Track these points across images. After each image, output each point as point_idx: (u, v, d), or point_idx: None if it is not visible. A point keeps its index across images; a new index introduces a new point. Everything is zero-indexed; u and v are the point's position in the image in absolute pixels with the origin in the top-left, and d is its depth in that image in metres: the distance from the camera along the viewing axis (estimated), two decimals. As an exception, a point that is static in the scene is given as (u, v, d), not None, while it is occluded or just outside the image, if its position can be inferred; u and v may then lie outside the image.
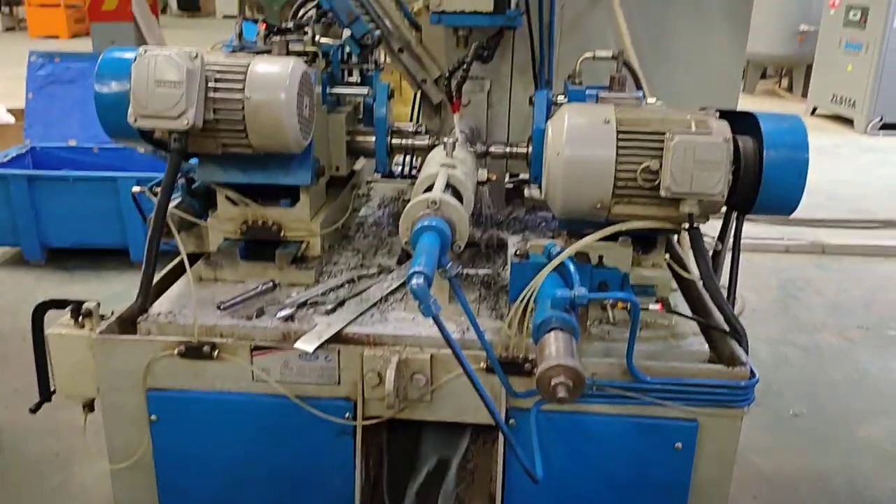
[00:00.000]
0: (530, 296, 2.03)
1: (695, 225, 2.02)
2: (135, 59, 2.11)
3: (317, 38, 2.81)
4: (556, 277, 2.08)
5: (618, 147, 2.02)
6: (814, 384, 4.46)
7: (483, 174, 2.41)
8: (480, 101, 3.08)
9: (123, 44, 6.84)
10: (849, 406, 4.26)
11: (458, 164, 2.24)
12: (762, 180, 2.04)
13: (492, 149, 2.78)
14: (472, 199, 2.18)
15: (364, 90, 2.85)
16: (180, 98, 2.06)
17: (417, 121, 3.28)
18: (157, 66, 2.06)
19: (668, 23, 3.04)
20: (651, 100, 2.55)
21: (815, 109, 12.14)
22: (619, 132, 2.03)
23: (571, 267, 2.04)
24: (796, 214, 2.20)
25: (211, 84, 2.18)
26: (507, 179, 3.42)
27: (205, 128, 2.20)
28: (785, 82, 14.11)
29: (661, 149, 1.98)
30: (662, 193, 1.96)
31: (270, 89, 2.20)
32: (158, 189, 2.26)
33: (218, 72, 2.20)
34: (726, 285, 2.43)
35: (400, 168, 3.82)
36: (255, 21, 2.89)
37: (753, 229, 6.18)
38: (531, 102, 2.69)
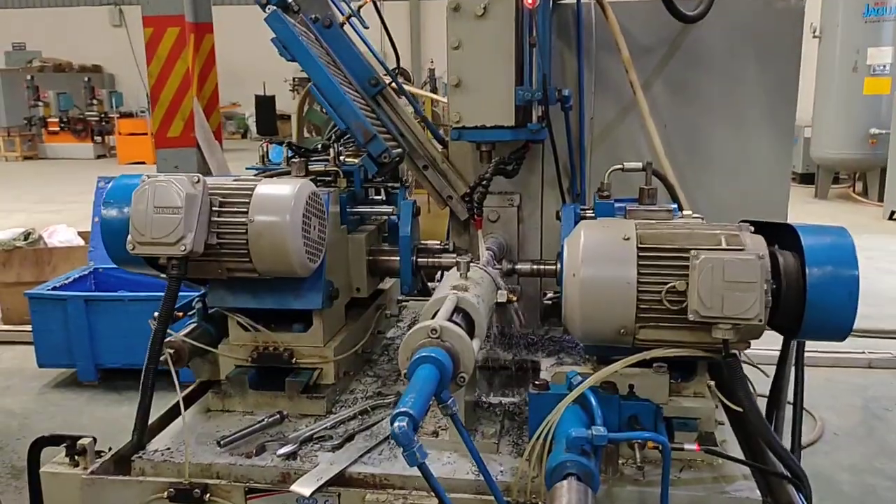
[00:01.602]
0: (547, 432, 1.81)
1: (731, 352, 1.79)
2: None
3: (341, 157, 2.78)
4: (579, 411, 1.86)
5: (639, 266, 1.83)
6: (908, 521, 3.94)
7: (503, 295, 2.24)
8: (510, 216, 2.95)
9: (186, 168, 7.13)
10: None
11: (471, 285, 2.09)
12: (806, 301, 1.80)
13: (518, 266, 2.62)
14: (484, 324, 2.01)
15: (388, 209, 2.77)
16: (178, 224, 1.99)
17: (448, 237, 3.17)
18: (157, 193, 2.01)
19: (706, 130, 2.89)
20: (687, 212, 2.37)
21: (893, 213, 11.59)
22: (639, 249, 1.85)
23: (593, 400, 1.82)
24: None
25: (215, 208, 2.12)
26: (546, 296, 3.24)
27: (208, 252, 2.12)
28: (859, 186, 13.61)
29: (688, 267, 1.78)
30: (690, 317, 1.75)
31: (274, 211, 2.12)
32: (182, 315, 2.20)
33: (223, 195, 2.15)
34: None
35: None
36: (281, 143, 2.88)
37: (832, 343, 5.73)
38: (558, 217, 2.55)
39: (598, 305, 1.84)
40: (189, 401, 2.50)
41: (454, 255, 2.71)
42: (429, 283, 3.22)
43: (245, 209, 2.12)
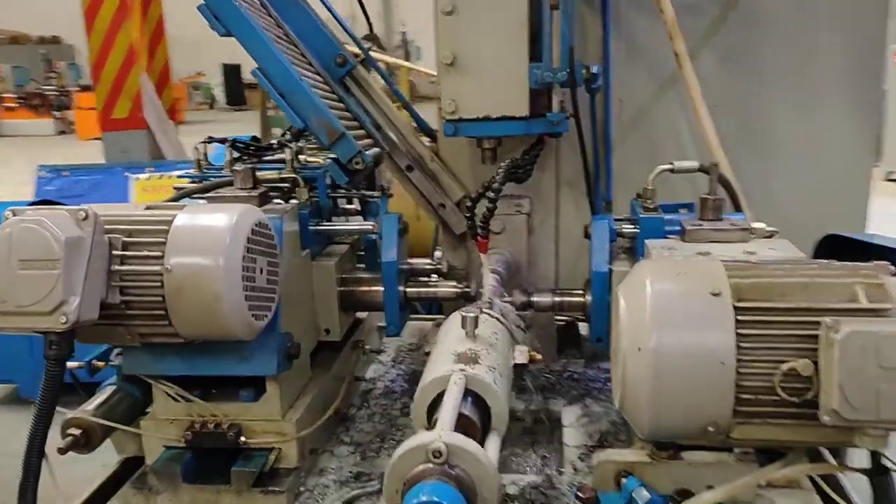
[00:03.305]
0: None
1: (884, 466, 1.21)
2: (2, 224, 1.44)
3: (300, 157, 2.15)
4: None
5: (738, 336, 1.24)
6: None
7: (523, 353, 1.64)
8: (519, 227, 2.33)
9: (136, 154, 6.40)
10: None
11: (482, 350, 1.49)
12: None
13: (535, 298, 2.03)
14: (506, 412, 1.42)
15: (367, 226, 2.14)
16: (55, 283, 1.36)
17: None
18: (22, 239, 1.38)
19: (766, 112, 2.28)
20: (759, 225, 1.78)
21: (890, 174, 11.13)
22: (737, 311, 1.25)
23: (675, 536, 1.24)
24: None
25: (117, 251, 1.49)
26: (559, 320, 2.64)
27: (110, 314, 1.50)
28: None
29: (814, 337, 1.19)
30: (825, 420, 1.16)
31: (201, 252, 1.50)
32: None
33: (128, 233, 1.52)
34: None
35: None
36: (223, 142, 2.23)
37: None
38: (587, 234, 1.95)
39: (678, 392, 1.25)
40: (110, 488, 1.90)
41: (453, 284, 2.11)
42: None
43: (159, 252, 1.50)
